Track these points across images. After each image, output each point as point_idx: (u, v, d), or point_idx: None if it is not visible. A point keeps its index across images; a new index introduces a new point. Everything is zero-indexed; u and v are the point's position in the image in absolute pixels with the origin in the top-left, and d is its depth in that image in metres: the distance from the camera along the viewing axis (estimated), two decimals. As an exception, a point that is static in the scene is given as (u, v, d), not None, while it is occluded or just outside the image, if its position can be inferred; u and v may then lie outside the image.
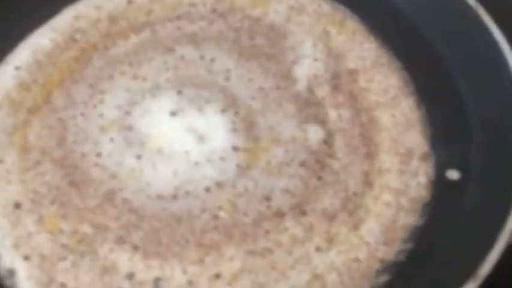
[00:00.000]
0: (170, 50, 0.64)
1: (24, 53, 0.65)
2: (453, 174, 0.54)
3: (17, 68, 0.64)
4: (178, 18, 0.67)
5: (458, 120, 0.57)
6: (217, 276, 0.50)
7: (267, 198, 0.54)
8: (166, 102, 0.60)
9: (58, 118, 0.61)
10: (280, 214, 0.53)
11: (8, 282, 0.52)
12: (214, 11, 0.67)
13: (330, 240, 0.52)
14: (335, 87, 0.60)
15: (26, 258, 0.52)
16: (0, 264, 0.53)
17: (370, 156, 0.56)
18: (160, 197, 0.54)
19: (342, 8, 0.66)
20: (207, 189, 0.54)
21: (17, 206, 0.55)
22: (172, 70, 0.63)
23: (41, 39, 0.66)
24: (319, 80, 0.61)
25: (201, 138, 0.57)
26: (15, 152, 0.58)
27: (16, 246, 0.53)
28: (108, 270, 0.52)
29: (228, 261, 0.51)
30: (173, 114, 0.59)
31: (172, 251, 0.52)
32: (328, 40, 0.64)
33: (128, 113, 0.60)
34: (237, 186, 0.54)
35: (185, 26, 0.66)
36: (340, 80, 0.61)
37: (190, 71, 0.62)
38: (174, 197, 0.54)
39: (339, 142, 0.57)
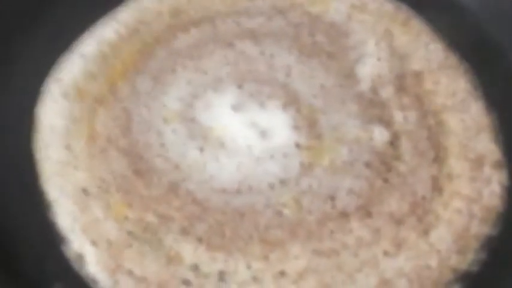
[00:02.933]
0: (230, 44, 0.60)
1: (90, 43, 0.62)
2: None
3: (83, 58, 0.60)
4: (238, 13, 0.63)
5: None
6: (282, 273, 0.46)
7: (332, 198, 0.49)
8: (227, 96, 0.56)
9: (123, 108, 0.57)
10: (345, 215, 0.48)
11: (76, 266, 0.49)
12: (273, 7, 0.62)
13: (398, 245, 0.46)
14: (400, 88, 0.54)
15: (94, 243, 0.49)
16: (69, 248, 0.50)
17: (438, 160, 0.51)
18: (224, 191, 0.50)
19: (404, 7, 0.60)
20: (271, 186, 0.50)
21: (85, 192, 0.52)
22: (232, 65, 0.58)
23: (106, 31, 0.62)
24: (383, 80, 0.55)
25: (263, 134, 0.52)
26: (82, 139, 0.55)
27: (84, 231, 0.50)
28: (173, 260, 0.48)
29: (293, 259, 0.46)
30: (235, 108, 0.55)
31: (237, 245, 0.48)
32: (392, 40, 0.58)
33: (190, 105, 0.56)
34: (301, 184, 0.50)
35: (244, 22, 0.62)
36: (404, 81, 0.55)
37: (251, 66, 0.58)
38: (238, 191, 0.50)
39: (405, 144, 0.51)
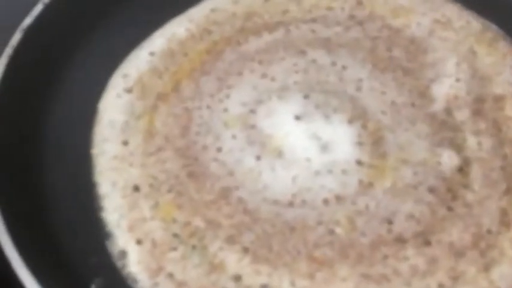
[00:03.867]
0: (302, 52, 0.61)
1: (160, 40, 0.65)
2: None
3: (151, 54, 0.63)
4: (314, 21, 0.64)
5: None
6: (327, 295, 0.46)
7: (389, 221, 0.49)
8: (292, 104, 0.57)
9: (184, 107, 0.59)
10: (401, 240, 0.48)
11: (119, 264, 0.51)
12: (352, 17, 0.63)
13: (456, 278, 0.46)
14: (477, 112, 0.54)
15: (139, 242, 0.51)
16: (113, 244, 0.52)
17: (510, 192, 0.49)
18: (276, 202, 0.51)
19: (493, 27, 0.59)
20: (325, 202, 0.51)
21: (136, 189, 0.54)
22: (301, 73, 0.59)
23: (177, 28, 0.66)
24: (459, 102, 0.55)
25: (325, 147, 0.53)
26: (140, 136, 0.57)
27: (131, 228, 0.52)
28: (216, 268, 0.49)
29: (339, 280, 0.47)
30: (298, 118, 0.55)
31: (283, 260, 0.48)
32: (475, 60, 0.58)
33: (252, 111, 0.58)
34: (358, 203, 0.50)
35: (320, 30, 0.63)
36: (483, 105, 0.54)
37: (320, 76, 0.59)
38: (291, 204, 0.51)
39: (476, 172, 0.51)
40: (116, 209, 0.53)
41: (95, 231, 0.52)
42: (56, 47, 0.61)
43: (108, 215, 0.53)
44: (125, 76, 0.61)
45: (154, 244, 0.51)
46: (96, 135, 0.58)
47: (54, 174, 0.55)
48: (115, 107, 0.59)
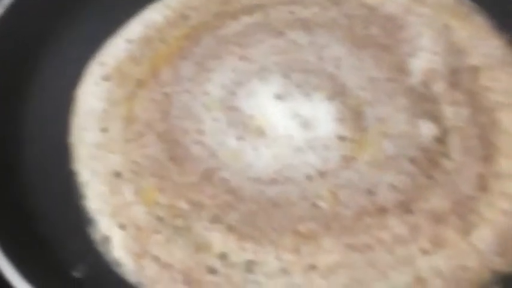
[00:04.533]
0: (281, 33, 0.63)
1: (137, 27, 0.66)
2: None
3: (129, 41, 0.64)
4: (292, 2, 0.66)
5: None
6: (313, 267, 0.48)
7: (371, 193, 0.51)
8: (272, 85, 0.58)
9: (164, 93, 0.60)
10: (383, 210, 0.50)
11: (102, 249, 0.52)
12: (329, -3, 0.65)
13: (437, 244, 0.48)
14: (453, 84, 0.56)
15: (122, 226, 0.52)
16: (96, 230, 0.53)
17: (487, 159, 0.52)
18: (259, 180, 0.53)
19: (467, 1, 0.62)
20: (308, 177, 0.52)
21: (117, 175, 0.55)
22: (281, 54, 0.61)
23: (154, 15, 0.67)
24: (436, 75, 0.57)
25: (306, 124, 0.55)
26: (119, 122, 0.58)
27: (113, 214, 0.53)
28: (201, 247, 0.51)
29: (324, 252, 0.48)
30: (278, 97, 0.57)
31: (268, 235, 0.50)
32: (450, 34, 0.60)
33: (232, 93, 0.59)
34: (340, 176, 0.52)
35: (298, 11, 0.65)
36: (459, 76, 0.57)
37: (300, 56, 0.61)
38: (273, 181, 0.53)
39: (454, 141, 0.53)
40: (97, 196, 0.54)
41: (77, 219, 0.53)
42: (30, 36, 0.61)
43: (90, 202, 0.54)
44: (102, 64, 0.62)
45: (138, 228, 0.52)
46: (74, 123, 0.59)
47: (34, 164, 0.56)
48: (93, 95, 0.60)
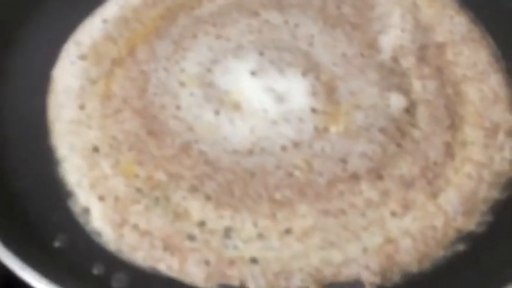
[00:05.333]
0: (255, 13, 0.65)
1: (113, 7, 0.68)
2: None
3: (105, 21, 0.66)
4: (267, -17, 0.68)
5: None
6: (288, 231, 0.51)
7: (343, 161, 0.54)
8: (247, 62, 0.61)
9: (140, 70, 0.62)
10: (355, 177, 0.53)
11: (82, 220, 0.53)
12: (303, -21, 0.67)
13: (406, 206, 0.51)
14: (421, 59, 0.60)
15: (101, 198, 0.54)
16: (76, 202, 0.54)
17: (453, 128, 0.55)
18: (235, 152, 0.55)
19: (433, -20, 0.66)
20: (283, 148, 0.55)
21: (95, 149, 0.57)
22: (256, 33, 0.64)
23: (131, -4, 0.68)
24: (405, 50, 0.60)
25: (280, 99, 0.58)
26: (97, 99, 0.60)
27: (92, 186, 0.55)
28: (180, 216, 0.53)
29: (300, 218, 0.51)
30: (253, 73, 0.60)
31: (245, 203, 0.52)
32: (417, 12, 0.63)
33: (209, 70, 0.61)
34: (314, 147, 0.55)
35: (272, -8, 0.67)
36: (427, 52, 0.60)
37: (274, 34, 0.63)
38: (250, 152, 0.55)
39: (422, 112, 0.56)
40: (76, 170, 0.56)
41: (56, 192, 0.55)
42: (6, 17, 0.63)
43: (69, 176, 0.55)
44: (78, 43, 0.64)
45: (116, 199, 0.54)
46: (51, 101, 0.60)
47: (13, 140, 0.58)
48: (69, 74, 0.62)
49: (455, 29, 0.61)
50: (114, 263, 0.50)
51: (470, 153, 0.54)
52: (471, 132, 0.55)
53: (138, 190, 0.54)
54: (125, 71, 0.62)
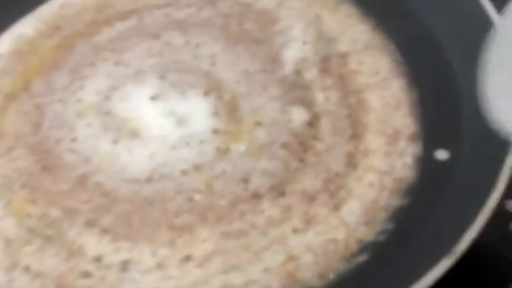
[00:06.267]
0: (155, 36, 0.66)
1: (6, 41, 0.68)
2: (442, 155, 0.55)
3: (-2, 56, 0.66)
4: (167, 5, 0.70)
5: (450, 102, 0.58)
6: (188, 258, 0.51)
7: (245, 180, 0.55)
8: (147, 86, 0.62)
9: (35, 104, 0.63)
10: (257, 196, 0.54)
11: (-29, 267, 0.53)
12: (204, -3, 0.70)
13: (308, 221, 0.52)
14: (324, 70, 0.62)
15: (-8, 242, 0.53)
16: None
17: (355, 137, 0.57)
18: (134, 181, 0.56)
19: (337, -9, 0.69)
20: (184, 172, 0.56)
21: (-15, 190, 0.56)
22: (156, 56, 0.65)
23: (25, 28, 0.70)
24: (307, 63, 0.62)
25: (181, 122, 0.59)
26: (-13, 140, 0.60)
27: (-18, 230, 0.53)
28: (74, 253, 0.52)
29: (200, 242, 0.51)
30: (154, 98, 0.61)
31: (143, 233, 0.52)
32: (320, 23, 0.66)
33: (107, 97, 0.62)
34: (215, 168, 0.56)
35: (173, 13, 0.69)
36: (329, 63, 0.62)
37: (175, 56, 0.64)
38: (148, 180, 0.56)
39: (325, 124, 0.58)
40: (-35, 213, 0.54)
41: None
42: None
43: (-43, 220, 0.55)
44: (-32, 81, 0.65)
45: (7, 242, 0.54)
46: None
47: None
48: (-42, 113, 0.62)
49: (358, 38, 0.64)
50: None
51: (372, 162, 0.55)
52: (373, 141, 0.57)
53: (31, 230, 0.54)
54: (19, 106, 0.63)
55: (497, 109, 0.45)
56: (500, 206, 0.49)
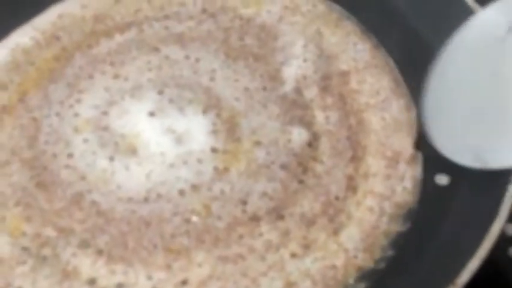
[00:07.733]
0: (155, 49, 0.66)
1: (2, 51, 0.68)
2: (442, 179, 0.55)
3: (-6, 67, 0.66)
4: (167, 17, 0.69)
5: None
6: (184, 282, 0.51)
7: (243, 202, 0.54)
8: (145, 102, 0.61)
9: (32, 118, 0.62)
10: (255, 219, 0.53)
11: (-38, 285, 0.52)
12: (204, 10, 0.69)
13: (307, 246, 0.52)
14: (324, 89, 0.61)
15: (-16, 261, 0.53)
16: (-44, 266, 0.53)
17: (356, 159, 0.57)
18: (130, 200, 0.55)
19: (337, 8, 0.68)
20: (181, 192, 0.55)
21: (-22, 207, 0.55)
22: (155, 70, 0.64)
23: (22, 38, 0.69)
24: (308, 81, 0.62)
25: (179, 140, 0.58)
26: (-17, 159, 0.59)
27: (-25, 247, 0.53)
28: (69, 275, 0.52)
29: (196, 267, 0.51)
30: (152, 114, 0.60)
31: (139, 256, 0.52)
32: (321, 41, 0.65)
33: (104, 113, 0.62)
34: (213, 189, 0.55)
35: (173, 26, 0.68)
36: (330, 81, 0.62)
37: (174, 71, 0.64)
38: (146, 199, 0.55)
39: (324, 145, 0.58)
40: (-41, 231, 0.54)
41: None
42: None
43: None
44: (-36, 92, 0.64)
45: (1, 261, 0.53)
46: None
47: None
48: (-47, 126, 0.61)
49: (359, 56, 0.63)
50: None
51: (372, 186, 0.55)
52: (373, 163, 0.56)
53: (25, 249, 0.54)
54: (15, 119, 0.62)
55: (434, 133, 0.50)
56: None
